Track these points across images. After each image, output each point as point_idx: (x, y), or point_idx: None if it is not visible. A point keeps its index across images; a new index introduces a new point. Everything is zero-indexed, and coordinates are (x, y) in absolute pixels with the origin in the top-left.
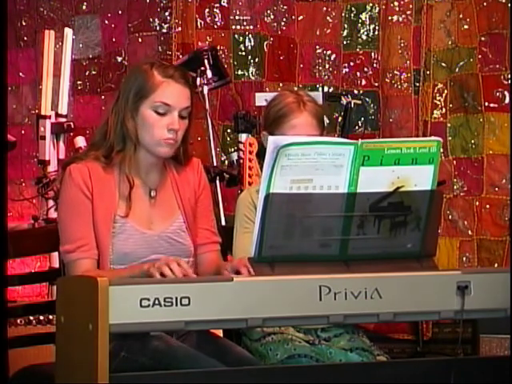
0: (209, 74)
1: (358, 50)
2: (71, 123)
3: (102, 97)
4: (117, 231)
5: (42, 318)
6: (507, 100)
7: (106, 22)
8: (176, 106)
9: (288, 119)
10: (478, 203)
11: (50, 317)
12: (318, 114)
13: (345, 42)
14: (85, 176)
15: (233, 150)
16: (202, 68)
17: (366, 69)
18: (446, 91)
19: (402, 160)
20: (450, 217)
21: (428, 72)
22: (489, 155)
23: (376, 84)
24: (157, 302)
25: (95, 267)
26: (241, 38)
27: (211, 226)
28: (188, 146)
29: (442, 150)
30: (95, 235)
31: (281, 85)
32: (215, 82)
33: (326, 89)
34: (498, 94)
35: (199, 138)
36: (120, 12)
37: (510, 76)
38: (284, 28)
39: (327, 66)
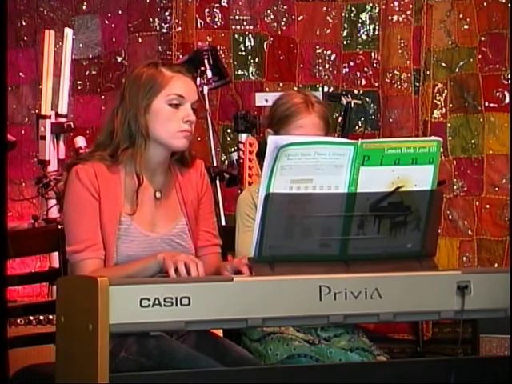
0: (209, 73)
1: (357, 49)
2: (71, 123)
3: (102, 97)
4: (121, 233)
5: (42, 317)
6: (507, 100)
7: (106, 21)
8: (188, 98)
9: (295, 119)
10: (478, 203)
11: (50, 317)
12: (324, 116)
13: (345, 42)
14: (91, 177)
15: (233, 149)
16: (202, 68)
17: (366, 69)
18: (445, 91)
19: (402, 160)
20: (450, 217)
21: (428, 72)
22: (489, 155)
23: (376, 84)
24: (157, 302)
25: (102, 267)
26: (241, 38)
27: (212, 229)
28: (191, 147)
29: (442, 150)
30: (101, 236)
31: (281, 85)
32: (215, 82)
33: (326, 89)
34: (498, 94)
35: (199, 138)
36: (120, 12)
37: (510, 76)
38: (284, 28)
39: (327, 66)
